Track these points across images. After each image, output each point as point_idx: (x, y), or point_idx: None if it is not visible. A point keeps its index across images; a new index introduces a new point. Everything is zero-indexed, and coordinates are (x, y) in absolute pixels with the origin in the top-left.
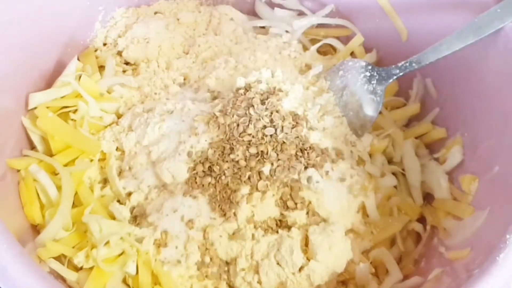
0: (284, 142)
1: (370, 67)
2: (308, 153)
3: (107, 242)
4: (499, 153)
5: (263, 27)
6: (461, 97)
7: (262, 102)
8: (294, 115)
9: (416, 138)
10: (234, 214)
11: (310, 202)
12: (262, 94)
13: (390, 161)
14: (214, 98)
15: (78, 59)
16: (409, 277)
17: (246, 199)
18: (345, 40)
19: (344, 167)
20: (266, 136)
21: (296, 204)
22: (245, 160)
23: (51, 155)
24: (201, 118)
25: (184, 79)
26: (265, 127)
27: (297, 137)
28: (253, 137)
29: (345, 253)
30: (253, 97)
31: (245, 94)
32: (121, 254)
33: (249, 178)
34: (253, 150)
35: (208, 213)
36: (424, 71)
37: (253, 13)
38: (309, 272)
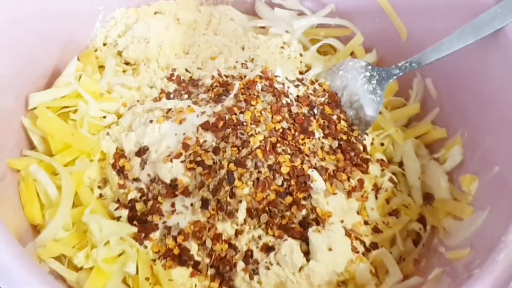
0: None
1: (370, 67)
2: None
3: (107, 242)
4: (499, 153)
5: (263, 27)
6: (461, 97)
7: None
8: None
9: (416, 138)
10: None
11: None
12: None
13: (390, 161)
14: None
15: (78, 59)
16: (409, 277)
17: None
18: (345, 40)
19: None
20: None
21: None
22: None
23: (51, 155)
24: (200, 118)
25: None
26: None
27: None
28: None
29: (345, 253)
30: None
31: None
32: (121, 254)
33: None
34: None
35: (208, 213)
36: (424, 71)
37: (253, 13)
38: (309, 272)
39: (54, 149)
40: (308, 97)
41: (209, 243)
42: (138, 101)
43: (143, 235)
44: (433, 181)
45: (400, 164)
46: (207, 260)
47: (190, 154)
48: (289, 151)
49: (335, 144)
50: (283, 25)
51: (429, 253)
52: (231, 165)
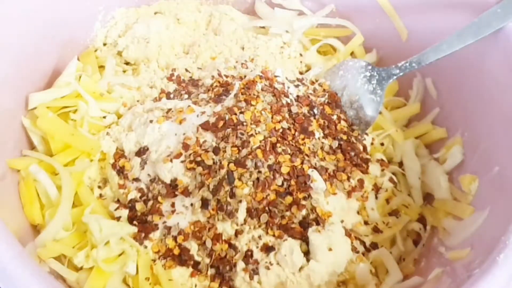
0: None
1: (370, 67)
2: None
3: (107, 242)
4: (499, 153)
5: (263, 27)
6: (461, 97)
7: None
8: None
9: (416, 138)
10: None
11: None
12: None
13: (390, 161)
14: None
15: (78, 59)
16: (409, 277)
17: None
18: (345, 40)
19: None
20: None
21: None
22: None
23: (51, 155)
24: (200, 118)
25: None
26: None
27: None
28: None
29: (345, 253)
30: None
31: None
32: (121, 254)
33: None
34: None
35: (208, 213)
36: (424, 71)
37: (253, 13)
38: (309, 272)
39: (54, 149)
40: (308, 97)
41: (209, 243)
42: (138, 101)
43: (143, 235)
44: (433, 181)
45: (400, 164)
46: (207, 260)
47: (190, 154)
48: (289, 151)
49: (335, 144)
50: (283, 25)
51: (429, 253)
52: (231, 165)
